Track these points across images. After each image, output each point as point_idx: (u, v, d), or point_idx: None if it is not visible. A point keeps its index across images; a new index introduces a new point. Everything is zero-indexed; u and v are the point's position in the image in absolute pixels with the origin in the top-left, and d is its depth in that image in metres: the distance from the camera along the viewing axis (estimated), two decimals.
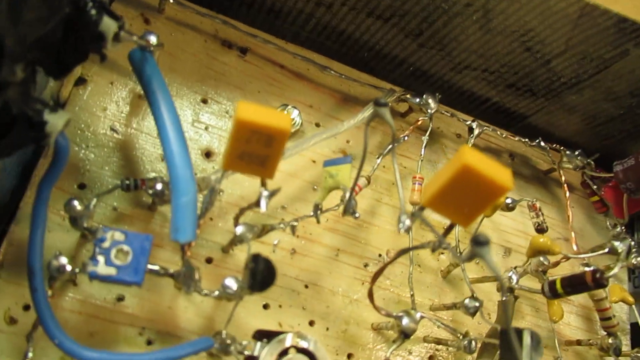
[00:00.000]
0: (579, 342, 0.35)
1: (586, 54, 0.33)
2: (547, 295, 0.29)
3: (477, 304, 0.29)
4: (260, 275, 0.22)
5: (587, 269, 0.28)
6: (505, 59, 0.35)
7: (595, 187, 0.37)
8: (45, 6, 0.19)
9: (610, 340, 0.32)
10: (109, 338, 0.26)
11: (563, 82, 0.36)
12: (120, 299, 0.26)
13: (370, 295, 0.27)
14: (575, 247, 0.35)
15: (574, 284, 0.28)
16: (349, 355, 0.30)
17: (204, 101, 0.32)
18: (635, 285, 0.39)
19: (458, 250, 0.33)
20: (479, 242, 0.19)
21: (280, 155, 0.23)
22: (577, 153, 0.37)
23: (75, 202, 0.23)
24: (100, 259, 0.22)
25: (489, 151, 0.39)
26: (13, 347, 0.24)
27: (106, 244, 0.22)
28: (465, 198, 0.22)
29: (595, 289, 0.27)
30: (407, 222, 0.24)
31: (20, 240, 0.25)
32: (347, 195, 0.27)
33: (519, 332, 0.23)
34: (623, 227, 0.38)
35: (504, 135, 0.37)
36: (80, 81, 0.29)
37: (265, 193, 0.25)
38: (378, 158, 0.33)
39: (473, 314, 0.29)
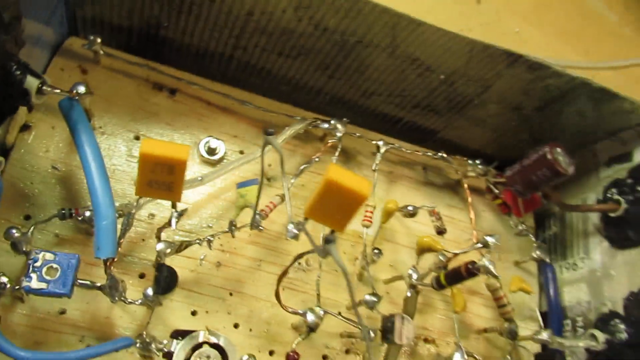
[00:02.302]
0: (485, 330, 0.39)
1: (470, 77, 0.38)
2: (435, 287, 0.33)
3: (375, 299, 0.33)
4: (164, 280, 0.27)
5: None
6: (403, 84, 0.40)
7: (497, 191, 0.42)
8: None
9: (506, 325, 0.37)
10: (52, 345, 0.30)
11: (458, 101, 0.41)
12: (62, 312, 0.31)
13: (277, 296, 0.32)
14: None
15: (453, 276, 0.32)
16: (271, 352, 0.34)
17: (137, 138, 0.37)
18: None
19: (365, 255, 0.37)
20: (327, 241, 0.24)
21: (182, 181, 0.28)
22: (478, 162, 0.42)
23: (14, 230, 0.28)
24: (33, 275, 0.27)
25: (403, 165, 0.44)
26: None
27: (38, 263, 0.27)
28: (336, 207, 0.27)
29: (468, 278, 0.31)
30: (294, 230, 0.29)
31: None
32: (253, 212, 0.32)
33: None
34: (523, 225, 0.43)
35: (408, 151, 0.41)
36: (25, 127, 0.34)
37: (175, 213, 0.29)
38: (292, 178, 0.37)
39: (372, 308, 0.33)
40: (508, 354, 0.37)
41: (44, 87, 0.28)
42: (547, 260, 0.42)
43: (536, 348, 0.40)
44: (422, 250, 0.35)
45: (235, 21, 0.35)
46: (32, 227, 0.29)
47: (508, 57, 0.36)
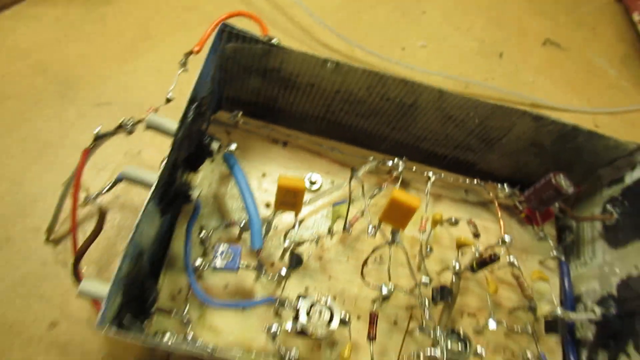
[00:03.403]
0: (513, 310, 0.53)
1: (494, 125, 0.54)
2: (470, 270, 0.48)
3: (428, 281, 0.48)
4: (295, 261, 0.44)
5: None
6: (446, 131, 0.56)
7: (521, 207, 0.56)
8: (190, 146, 0.43)
9: (527, 303, 0.51)
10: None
11: (488, 141, 0.56)
12: (226, 286, 0.49)
13: (362, 275, 0.48)
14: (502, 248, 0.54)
15: (481, 262, 0.47)
16: (358, 317, 0.50)
17: (264, 175, 0.55)
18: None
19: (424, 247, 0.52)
20: (393, 232, 0.40)
21: (302, 201, 0.45)
22: (505, 186, 0.57)
23: (203, 232, 0.46)
24: (217, 258, 0.45)
25: (448, 189, 0.59)
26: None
27: (220, 252, 0.45)
28: (398, 215, 0.44)
29: (490, 263, 0.46)
30: (372, 231, 0.45)
31: (176, 252, 0.48)
32: (344, 221, 0.49)
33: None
34: (542, 232, 0.56)
35: (452, 180, 0.57)
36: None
37: (297, 221, 0.47)
38: (369, 199, 0.54)
39: (426, 286, 0.48)
40: (529, 324, 0.51)
41: (220, 146, 0.46)
42: (562, 258, 0.55)
43: None
44: (459, 245, 0.50)
45: (327, 96, 0.53)
46: (212, 231, 0.47)
47: (517, 112, 0.51)
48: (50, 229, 0.52)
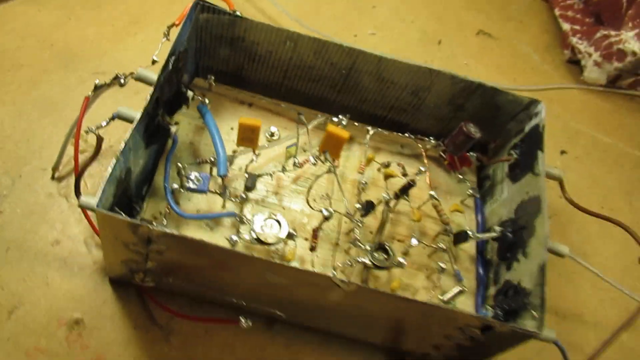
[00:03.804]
0: (435, 235, 0.65)
1: (420, 87, 0.66)
2: (395, 197, 0.60)
3: (361, 206, 0.60)
4: (251, 182, 0.56)
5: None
6: (383, 94, 0.68)
7: (444, 156, 0.69)
8: (170, 91, 0.55)
9: (445, 228, 0.62)
10: None
11: (417, 102, 0.68)
12: (198, 210, 0.60)
13: (307, 202, 0.60)
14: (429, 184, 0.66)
15: (402, 189, 0.59)
16: (305, 239, 0.62)
17: (232, 128, 0.67)
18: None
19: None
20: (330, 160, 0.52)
21: (258, 137, 0.57)
22: (432, 139, 0.69)
23: (179, 165, 0.58)
24: (190, 182, 0.56)
25: (386, 143, 0.71)
26: None
27: (192, 177, 0.56)
28: (333, 144, 0.56)
29: (409, 188, 0.58)
30: (313, 160, 0.57)
31: (158, 184, 0.60)
32: (294, 158, 0.61)
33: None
34: (461, 176, 0.69)
35: (386, 133, 0.69)
36: (176, 123, 0.65)
37: (254, 155, 0.59)
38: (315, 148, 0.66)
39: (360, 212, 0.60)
40: (445, 243, 0.62)
41: (195, 96, 0.58)
42: (477, 195, 0.67)
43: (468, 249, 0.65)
44: (386, 176, 0.62)
45: (284, 64, 0.66)
46: (187, 166, 0.59)
47: (434, 71, 0.64)
48: (55, 168, 0.63)
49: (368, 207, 0.58)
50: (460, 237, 0.60)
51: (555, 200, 0.70)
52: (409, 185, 0.58)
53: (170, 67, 0.54)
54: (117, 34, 0.76)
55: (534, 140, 0.62)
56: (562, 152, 0.81)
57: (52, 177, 0.64)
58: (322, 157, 0.58)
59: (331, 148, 0.56)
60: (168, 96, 0.56)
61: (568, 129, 0.84)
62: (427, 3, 0.95)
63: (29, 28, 0.73)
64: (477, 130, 0.63)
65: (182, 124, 0.65)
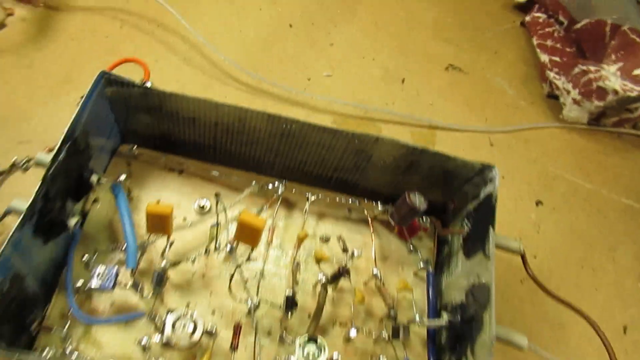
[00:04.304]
0: (382, 318, 0.58)
1: (359, 149, 0.59)
2: (329, 282, 0.54)
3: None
4: (157, 280, 0.50)
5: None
6: (324, 156, 0.61)
7: (393, 223, 0.62)
8: (68, 179, 0.50)
9: (389, 312, 0.56)
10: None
11: (360, 163, 0.62)
12: (112, 304, 0.55)
13: (230, 289, 0.53)
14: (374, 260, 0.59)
15: (333, 276, 0.52)
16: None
17: (158, 201, 0.61)
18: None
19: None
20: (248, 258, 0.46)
21: (170, 225, 0.51)
22: (379, 204, 0.62)
23: (86, 257, 0.53)
24: (94, 280, 0.51)
25: (332, 208, 0.64)
26: None
27: (97, 273, 0.51)
28: (248, 234, 0.49)
29: (340, 276, 0.51)
30: (229, 247, 0.51)
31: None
32: (216, 241, 0.55)
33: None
34: (412, 247, 0.62)
35: (330, 200, 0.63)
36: (95, 201, 0.59)
37: (169, 243, 0.53)
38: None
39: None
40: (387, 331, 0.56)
41: (101, 180, 0.53)
42: (429, 269, 0.60)
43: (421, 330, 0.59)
44: (318, 260, 0.56)
45: (209, 128, 0.60)
46: (96, 255, 0.53)
47: (375, 139, 0.57)
48: None
49: (289, 304, 0.52)
50: (396, 332, 0.53)
51: (518, 274, 0.62)
52: (340, 274, 0.52)
53: (63, 155, 0.49)
54: (47, 95, 0.71)
55: (486, 212, 0.55)
56: (538, 203, 0.73)
57: None
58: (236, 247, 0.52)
59: (247, 237, 0.50)
60: (68, 184, 0.51)
61: (545, 175, 0.76)
62: (391, 37, 0.87)
63: None
64: (422, 201, 0.57)
65: (103, 201, 0.60)
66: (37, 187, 0.46)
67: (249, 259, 0.52)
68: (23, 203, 0.48)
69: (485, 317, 0.49)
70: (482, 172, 0.57)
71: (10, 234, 0.44)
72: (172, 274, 0.57)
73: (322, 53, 0.83)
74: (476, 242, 0.56)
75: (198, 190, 0.63)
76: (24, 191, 0.62)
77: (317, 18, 0.87)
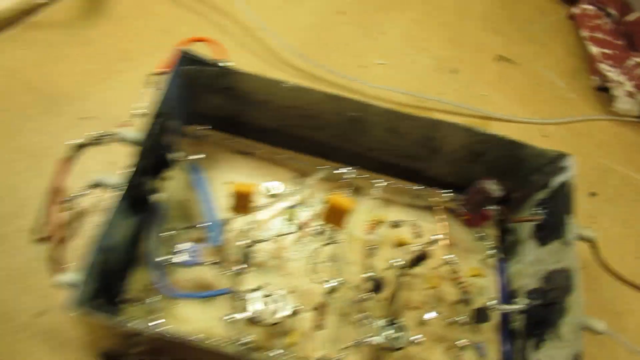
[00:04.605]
0: (453, 303, 0.59)
1: (433, 137, 0.59)
2: (409, 266, 0.54)
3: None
4: (246, 257, 0.50)
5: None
6: (394, 142, 0.61)
7: (461, 211, 0.62)
8: (155, 155, 0.49)
9: (463, 297, 0.56)
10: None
11: (431, 150, 0.62)
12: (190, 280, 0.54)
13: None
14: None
15: (413, 260, 0.53)
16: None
17: (227, 183, 0.61)
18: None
19: None
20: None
21: (251, 204, 0.51)
22: (449, 192, 0.62)
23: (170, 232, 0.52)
24: (181, 255, 0.50)
25: (398, 194, 0.65)
26: None
27: (182, 248, 0.51)
28: (337, 215, 0.49)
29: (421, 261, 0.52)
30: (319, 229, 0.51)
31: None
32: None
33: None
34: (481, 233, 0.62)
35: (400, 186, 0.63)
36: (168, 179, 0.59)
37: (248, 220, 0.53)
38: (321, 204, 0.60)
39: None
40: (465, 316, 0.56)
41: (180, 158, 0.53)
42: (498, 256, 0.61)
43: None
44: (398, 244, 0.56)
45: (283, 113, 0.59)
46: (177, 232, 0.53)
47: (449, 126, 0.57)
48: (37, 230, 0.58)
49: (377, 287, 0.52)
50: (482, 315, 0.54)
51: (587, 261, 0.63)
52: (421, 258, 0.52)
53: (156, 131, 0.48)
54: (104, 72, 0.70)
55: (562, 200, 0.56)
56: (592, 194, 0.74)
57: (35, 239, 0.58)
58: (326, 228, 0.52)
59: (335, 218, 0.50)
60: (152, 160, 0.51)
61: (598, 167, 0.77)
62: (442, 26, 0.87)
63: (10, 69, 0.68)
64: (497, 188, 0.57)
65: (176, 179, 0.59)
66: (134, 161, 0.46)
67: (331, 242, 0.52)
68: (108, 178, 0.48)
69: (569, 301, 0.50)
70: (555, 161, 0.58)
71: (113, 204, 0.44)
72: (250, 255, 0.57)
73: (375, 41, 0.83)
74: (552, 230, 0.56)
75: (267, 173, 0.63)
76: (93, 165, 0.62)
77: (369, 6, 0.86)
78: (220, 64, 0.53)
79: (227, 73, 0.55)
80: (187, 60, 0.53)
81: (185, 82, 0.56)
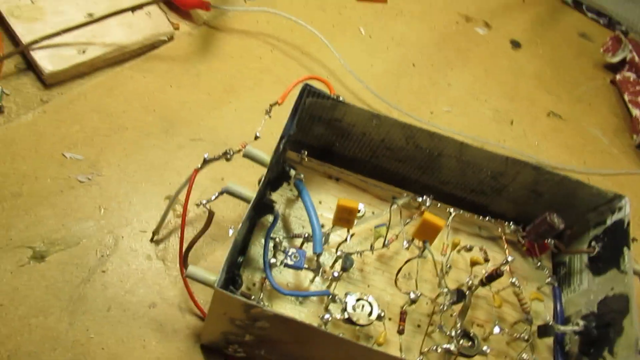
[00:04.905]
0: (514, 323, 0.66)
1: (503, 173, 0.68)
2: (480, 285, 0.62)
3: (448, 289, 0.62)
4: (349, 264, 0.58)
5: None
6: (465, 177, 0.70)
7: (523, 241, 0.70)
8: (277, 170, 0.59)
9: (526, 317, 0.63)
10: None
11: (498, 187, 0.71)
12: (288, 283, 0.63)
13: (395, 283, 0.62)
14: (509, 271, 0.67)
15: (488, 277, 0.61)
16: (390, 318, 0.64)
17: (320, 202, 0.70)
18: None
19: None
20: (423, 248, 0.55)
21: (354, 219, 0.60)
22: (511, 224, 0.71)
23: (276, 239, 0.61)
24: (289, 259, 0.59)
25: (465, 225, 0.73)
26: None
27: (290, 253, 0.59)
28: (428, 232, 0.58)
29: (497, 278, 0.60)
30: (406, 244, 0.59)
31: (252, 254, 0.63)
32: (385, 239, 0.63)
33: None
34: (539, 262, 0.70)
35: (468, 216, 0.71)
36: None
37: (349, 235, 0.62)
38: (404, 226, 0.68)
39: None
40: (526, 333, 0.63)
41: (296, 174, 0.62)
42: (555, 284, 0.68)
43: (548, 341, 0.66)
44: (473, 263, 0.64)
45: (374, 143, 0.69)
46: (282, 239, 0.62)
47: (520, 162, 0.66)
48: (155, 232, 0.67)
49: (459, 297, 0.60)
50: (545, 330, 0.61)
51: None
52: (497, 274, 0.60)
53: (281, 149, 0.58)
54: (212, 102, 0.81)
55: (619, 235, 0.64)
56: (633, 240, 0.82)
57: (151, 240, 0.68)
58: (415, 243, 0.60)
59: (425, 235, 0.58)
60: (274, 175, 0.60)
61: (638, 215, 0.85)
62: (500, 83, 0.98)
63: (135, 93, 0.79)
64: (561, 221, 0.65)
65: (278, 198, 0.69)
66: (265, 173, 0.56)
67: (420, 255, 0.60)
68: (237, 186, 0.57)
69: (625, 322, 0.57)
70: (612, 201, 0.66)
71: (247, 211, 0.53)
72: (337, 265, 0.65)
73: (442, 91, 0.93)
74: (608, 261, 0.64)
75: (353, 196, 0.72)
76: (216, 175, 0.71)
77: (436, 61, 0.98)
78: (335, 98, 0.63)
79: (338, 106, 0.65)
80: (309, 92, 0.63)
81: (302, 111, 0.67)
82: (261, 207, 0.59)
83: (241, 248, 0.62)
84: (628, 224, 0.63)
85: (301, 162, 0.71)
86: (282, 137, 0.58)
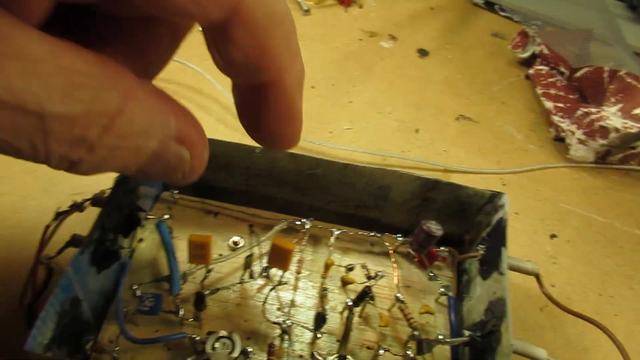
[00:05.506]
0: (407, 340, 0.61)
1: (382, 186, 0.65)
2: (354, 304, 0.58)
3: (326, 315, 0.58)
4: (199, 302, 0.55)
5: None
6: (348, 195, 0.67)
7: (412, 253, 0.66)
8: (120, 216, 0.57)
9: (413, 333, 0.59)
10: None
11: (381, 198, 0.67)
12: (157, 330, 0.59)
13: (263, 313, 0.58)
14: (396, 285, 0.63)
15: (358, 296, 0.56)
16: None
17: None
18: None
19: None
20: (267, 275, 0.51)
21: (210, 253, 0.57)
22: (399, 236, 0.67)
23: (135, 287, 0.58)
24: (142, 305, 0.56)
25: (355, 242, 0.69)
26: None
27: (145, 299, 0.56)
28: (280, 257, 0.55)
29: (366, 296, 0.55)
30: (263, 273, 0.56)
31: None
32: (250, 270, 0.60)
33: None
34: (432, 274, 0.65)
35: (353, 233, 0.68)
36: (140, 240, 0.66)
37: (207, 272, 0.58)
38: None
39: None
40: (412, 351, 0.59)
41: (147, 217, 0.60)
42: (449, 294, 0.64)
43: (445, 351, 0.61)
44: (344, 283, 0.60)
45: (244, 173, 0.67)
46: (141, 285, 0.59)
47: (397, 174, 0.63)
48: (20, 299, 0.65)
49: (319, 321, 0.56)
50: (420, 347, 0.56)
51: (538, 301, 0.65)
52: (364, 294, 0.56)
53: (118, 194, 0.56)
54: None
55: (499, 235, 0.60)
56: (552, 236, 0.76)
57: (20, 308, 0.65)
58: (270, 271, 0.57)
59: (280, 261, 0.55)
60: (119, 220, 0.58)
61: (558, 211, 0.80)
62: (406, 93, 0.96)
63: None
64: (438, 227, 0.61)
65: (147, 240, 0.66)
66: (96, 218, 0.53)
67: (280, 283, 0.56)
68: (82, 236, 0.55)
69: (503, 327, 0.52)
70: (492, 200, 0.62)
71: (73, 257, 0.51)
72: (211, 303, 0.62)
73: (342, 110, 0.91)
74: (491, 264, 0.59)
75: (232, 229, 0.69)
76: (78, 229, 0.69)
77: (337, 80, 0.96)
78: None
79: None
80: None
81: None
82: (105, 255, 0.56)
83: (107, 299, 0.60)
84: (505, 221, 0.59)
85: (176, 202, 0.69)
86: (117, 183, 0.56)
